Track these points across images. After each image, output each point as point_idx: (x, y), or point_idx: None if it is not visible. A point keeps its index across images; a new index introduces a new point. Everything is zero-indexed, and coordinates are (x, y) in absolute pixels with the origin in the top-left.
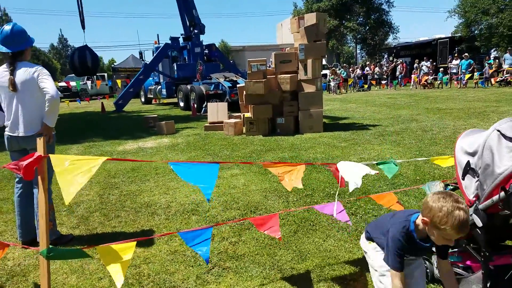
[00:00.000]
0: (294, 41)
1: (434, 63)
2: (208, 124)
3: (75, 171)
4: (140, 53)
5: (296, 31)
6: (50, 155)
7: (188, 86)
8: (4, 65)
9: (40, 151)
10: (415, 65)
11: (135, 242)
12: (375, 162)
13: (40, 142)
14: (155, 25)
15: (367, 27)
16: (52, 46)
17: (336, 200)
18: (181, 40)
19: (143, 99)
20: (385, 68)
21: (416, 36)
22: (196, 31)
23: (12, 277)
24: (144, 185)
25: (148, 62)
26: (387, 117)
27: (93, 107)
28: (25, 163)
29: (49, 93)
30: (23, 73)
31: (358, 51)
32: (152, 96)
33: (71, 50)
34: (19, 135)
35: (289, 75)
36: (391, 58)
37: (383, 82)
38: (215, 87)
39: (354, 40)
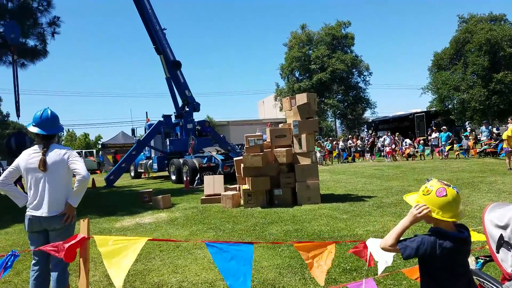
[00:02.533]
0: (287, 118)
1: (413, 137)
2: (204, 197)
3: (120, 253)
4: (133, 130)
5: (288, 109)
6: (95, 236)
7: (181, 160)
8: (35, 147)
9: (83, 232)
10: (394, 138)
11: None
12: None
13: (84, 224)
14: (145, 103)
15: (346, 104)
16: None
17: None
18: (173, 117)
19: (132, 174)
20: (366, 142)
21: (393, 110)
22: (188, 109)
23: None
24: (151, 264)
25: (141, 139)
26: (380, 189)
27: None
28: (67, 244)
29: (81, 174)
30: (54, 154)
31: (338, 125)
32: (142, 170)
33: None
34: (42, 215)
35: (285, 149)
36: (370, 131)
37: (367, 154)
38: (207, 160)
39: (334, 115)
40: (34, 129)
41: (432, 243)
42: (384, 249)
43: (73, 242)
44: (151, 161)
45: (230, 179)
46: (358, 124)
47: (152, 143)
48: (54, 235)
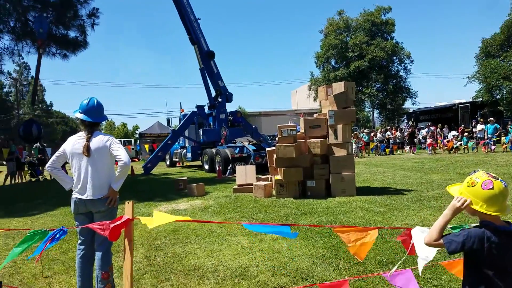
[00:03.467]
0: (322, 107)
1: (461, 128)
2: (237, 186)
3: (165, 221)
4: (168, 120)
5: (324, 98)
6: (140, 218)
7: (214, 150)
8: (80, 133)
9: (128, 214)
10: (437, 129)
11: None
12: (449, 227)
13: (128, 206)
14: (179, 93)
15: (385, 93)
16: None
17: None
18: (206, 107)
19: (168, 162)
20: (405, 133)
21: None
22: (220, 99)
23: None
24: (187, 248)
25: (175, 129)
26: (420, 182)
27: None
28: (113, 224)
29: (123, 160)
30: (97, 141)
31: (376, 116)
32: (177, 159)
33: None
34: (87, 198)
35: (319, 139)
36: (410, 123)
37: (407, 147)
38: (239, 150)
39: (372, 105)
40: (80, 116)
41: (479, 237)
42: (428, 244)
43: (118, 222)
44: (185, 150)
45: (261, 169)
46: (397, 114)
47: (186, 133)
48: (99, 217)
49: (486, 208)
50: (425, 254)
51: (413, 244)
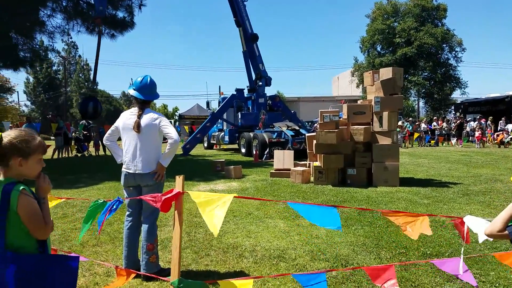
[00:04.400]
0: (367, 93)
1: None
2: (274, 171)
3: (213, 203)
4: (207, 103)
5: (370, 84)
6: (189, 192)
7: (251, 134)
8: (132, 109)
9: (179, 187)
10: (488, 122)
11: (252, 280)
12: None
13: (179, 180)
14: (219, 76)
15: (432, 82)
16: (123, 93)
17: (462, 256)
18: (245, 91)
19: (205, 144)
20: (453, 124)
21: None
22: (260, 83)
23: None
24: (226, 227)
25: (214, 111)
26: (467, 176)
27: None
28: (165, 196)
29: (173, 138)
30: (148, 118)
31: (421, 105)
32: (214, 142)
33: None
34: (136, 172)
35: (363, 127)
36: (458, 114)
37: (453, 139)
38: (277, 135)
39: (417, 94)
40: (132, 93)
41: None
42: (490, 235)
43: (170, 195)
44: (223, 133)
45: (298, 155)
46: (444, 105)
47: (224, 116)
48: (147, 190)
49: None
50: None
51: (467, 230)
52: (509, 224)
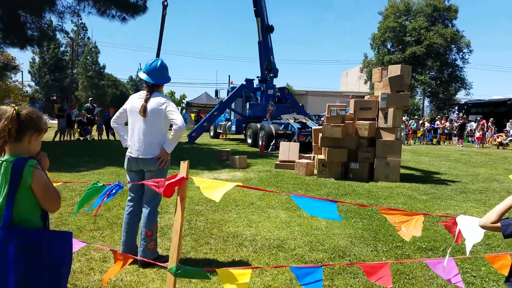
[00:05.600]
0: (375, 90)
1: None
2: (278, 162)
3: (216, 188)
4: (216, 91)
5: (378, 80)
6: (194, 178)
7: (258, 125)
8: (140, 93)
9: (183, 173)
10: (489, 123)
11: (250, 270)
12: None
13: (184, 166)
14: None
15: (439, 82)
16: (130, 78)
17: (447, 257)
18: (255, 81)
19: (212, 133)
20: (455, 124)
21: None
22: (271, 74)
23: None
24: (227, 216)
25: (223, 100)
26: (465, 174)
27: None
28: (168, 182)
29: (178, 124)
30: (155, 103)
31: (426, 104)
32: (221, 131)
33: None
34: (139, 157)
35: (368, 122)
36: (461, 114)
37: (455, 138)
38: (284, 127)
39: (423, 93)
40: (142, 76)
41: None
42: (484, 226)
43: (173, 180)
44: (230, 123)
45: (304, 148)
46: (448, 105)
47: (233, 105)
48: (149, 176)
49: None
50: (474, 238)
51: (459, 231)
52: (503, 217)
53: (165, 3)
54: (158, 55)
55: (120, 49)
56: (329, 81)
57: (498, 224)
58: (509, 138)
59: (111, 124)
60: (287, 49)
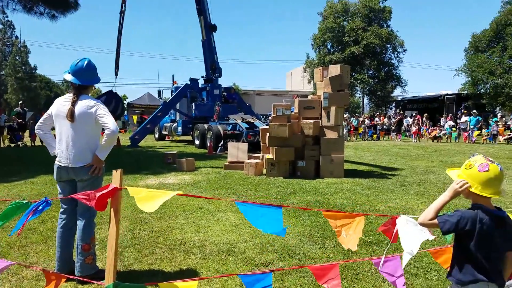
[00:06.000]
0: (317, 89)
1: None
2: (228, 163)
3: (153, 198)
4: (159, 91)
5: (319, 80)
6: (128, 188)
7: (205, 125)
8: (66, 95)
9: (115, 183)
10: (422, 119)
11: (196, 282)
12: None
13: (116, 175)
14: (172, 65)
15: (376, 80)
16: (65, 79)
17: (384, 256)
18: (200, 81)
19: (157, 135)
20: (393, 120)
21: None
22: (216, 74)
23: None
24: (174, 222)
25: (167, 101)
26: (404, 167)
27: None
28: (99, 193)
29: (110, 128)
30: (83, 106)
31: (366, 102)
32: (166, 133)
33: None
34: (69, 166)
35: (312, 121)
36: (398, 110)
37: (393, 133)
38: (232, 127)
39: (362, 92)
40: (68, 77)
41: (472, 218)
42: (422, 224)
43: (104, 191)
44: (175, 124)
45: (253, 148)
46: (386, 102)
47: (177, 106)
48: (82, 186)
49: (481, 190)
50: (410, 248)
51: (396, 231)
52: (440, 214)
53: None
54: (118, 53)
55: (54, 48)
56: (275, 80)
57: (435, 221)
58: (443, 132)
59: (35, 131)
60: (233, 49)
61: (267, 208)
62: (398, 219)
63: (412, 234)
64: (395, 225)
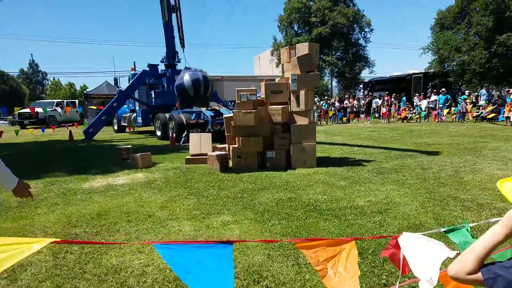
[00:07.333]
0: (284, 71)
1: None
2: (189, 157)
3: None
4: (115, 80)
5: (287, 61)
6: None
7: (167, 115)
8: None
9: None
10: (392, 99)
11: None
12: (443, 230)
13: None
14: (131, 52)
15: (345, 62)
16: (22, 71)
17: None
18: (160, 67)
19: (116, 127)
20: (362, 102)
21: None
22: (180, 59)
23: None
24: (112, 239)
25: (123, 89)
26: (378, 152)
27: (60, 135)
28: None
29: None
30: None
31: (334, 85)
32: (126, 124)
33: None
34: None
35: (281, 106)
36: (366, 92)
37: (363, 115)
38: (196, 116)
39: (331, 74)
40: None
41: None
42: (457, 278)
43: None
44: (135, 114)
45: (220, 138)
46: (354, 84)
47: (136, 94)
48: None
49: None
50: (427, 274)
51: (404, 258)
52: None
53: None
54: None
55: (8, 39)
56: (243, 65)
57: (479, 276)
58: (413, 111)
59: None
60: (200, 34)
61: (207, 249)
62: (400, 238)
63: (425, 255)
64: (400, 249)
